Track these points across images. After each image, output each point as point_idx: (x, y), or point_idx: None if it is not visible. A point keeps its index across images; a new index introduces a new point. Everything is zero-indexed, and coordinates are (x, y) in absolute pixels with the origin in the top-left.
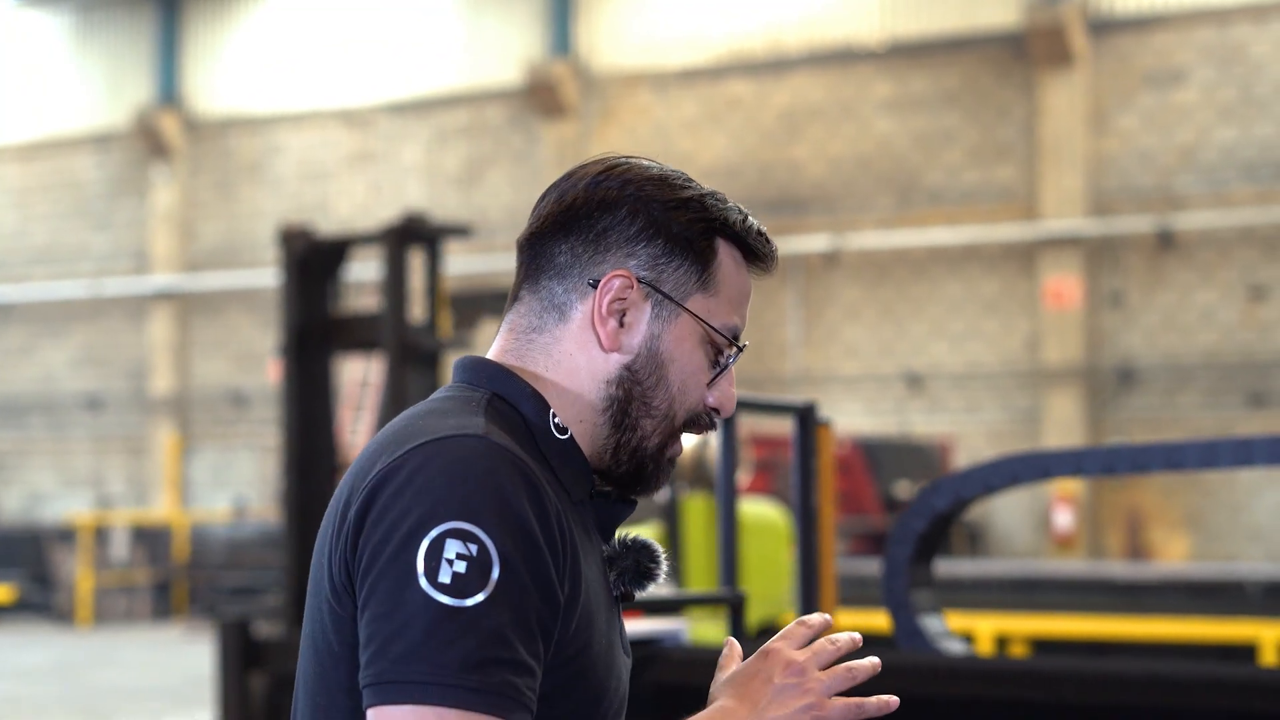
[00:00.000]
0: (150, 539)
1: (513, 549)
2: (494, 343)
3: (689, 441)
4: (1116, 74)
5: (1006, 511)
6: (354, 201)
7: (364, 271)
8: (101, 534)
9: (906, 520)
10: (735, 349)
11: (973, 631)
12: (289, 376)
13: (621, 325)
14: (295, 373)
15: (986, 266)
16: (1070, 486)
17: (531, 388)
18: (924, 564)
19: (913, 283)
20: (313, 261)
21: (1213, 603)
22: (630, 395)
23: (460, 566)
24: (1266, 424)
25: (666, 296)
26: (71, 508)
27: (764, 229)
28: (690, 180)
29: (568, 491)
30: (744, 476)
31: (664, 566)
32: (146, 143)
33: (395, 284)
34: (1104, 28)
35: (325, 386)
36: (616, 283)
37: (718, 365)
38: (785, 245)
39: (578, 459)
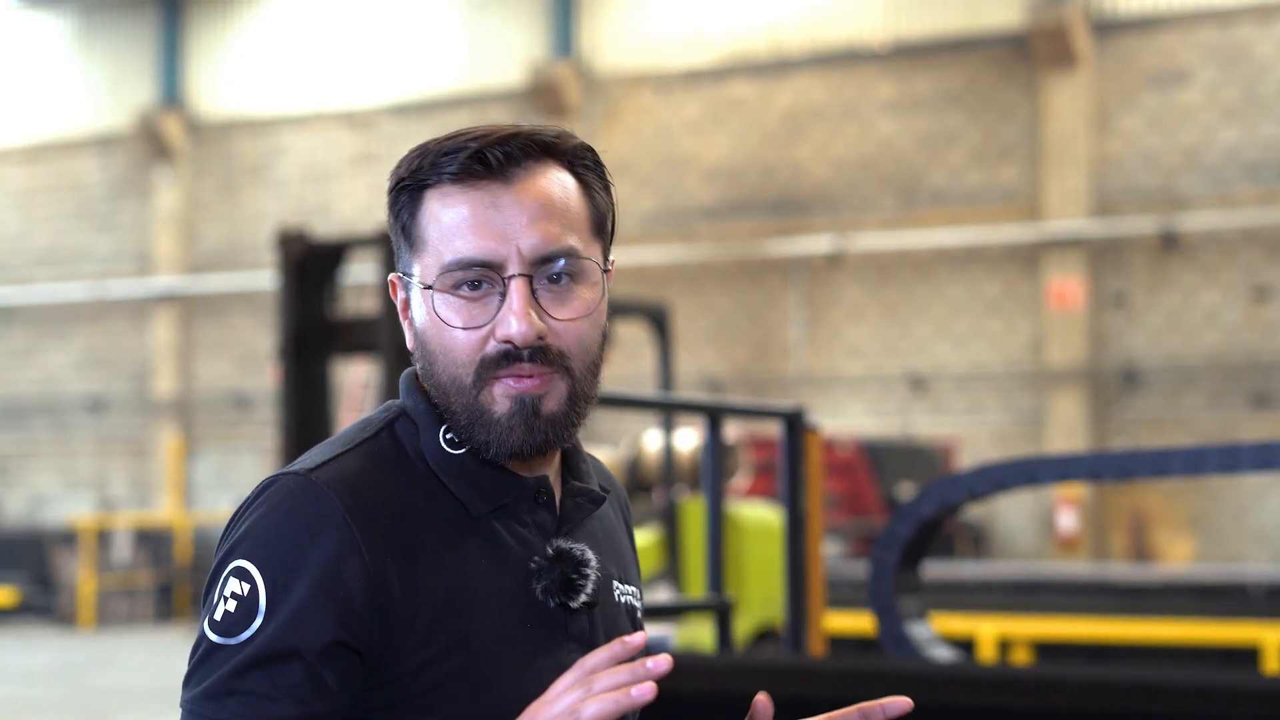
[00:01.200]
0: (152, 541)
1: (283, 588)
2: None
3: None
4: (1120, 75)
5: (1010, 513)
6: (357, 203)
7: (364, 273)
8: (104, 536)
9: (892, 526)
10: (462, 274)
11: (975, 634)
12: (287, 380)
13: (411, 325)
14: (293, 376)
15: (990, 267)
16: (1074, 489)
17: (429, 403)
18: (910, 569)
19: (916, 284)
20: (310, 264)
21: (1216, 605)
22: (428, 381)
23: (231, 605)
24: (1271, 425)
25: (403, 276)
26: (74, 510)
27: (464, 140)
28: (405, 156)
29: (466, 506)
30: (743, 480)
31: (591, 576)
32: (149, 145)
33: None
34: (1107, 28)
35: (323, 390)
36: (394, 289)
37: (485, 306)
38: (788, 246)
39: (474, 471)
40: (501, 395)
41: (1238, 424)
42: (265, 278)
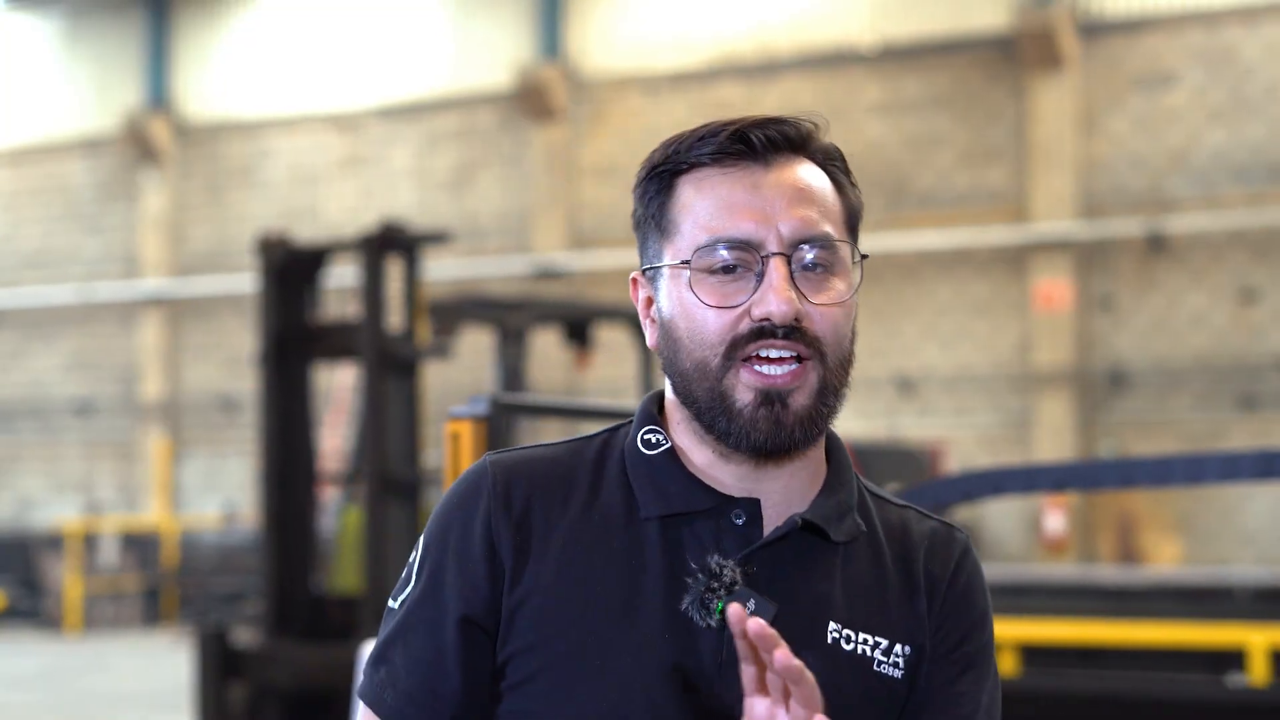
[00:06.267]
0: (140, 545)
1: (426, 559)
2: None
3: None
4: (1106, 77)
5: (997, 516)
6: (344, 205)
7: (349, 277)
8: (90, 540)
9: None
10: (720, 254)
11: None
12: (268, 384)
13: (654, 321)
14: (274, 381)
15: (977, 269)
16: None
17: (645, 406)
18: None
19: (903, 286)
20: (291, 269)
21: (1202, 607)
22: (670, 373)
23: (405, 572)
24: (1257, 427)
25: (651, 268)
26: (61, 513)
27: (727, 121)
28: (661, 145)
29: (640, 507)
30: None
31: (722, 591)
32: (136, 147)
33: (373, 292)
34: (1094, 30)
35: (304, 395)
36: (634, 289)
37: (740, 287)
38: None
39: (663, 474)
40: (746, 385)
41: (1225, 426)
42: (253, 281)
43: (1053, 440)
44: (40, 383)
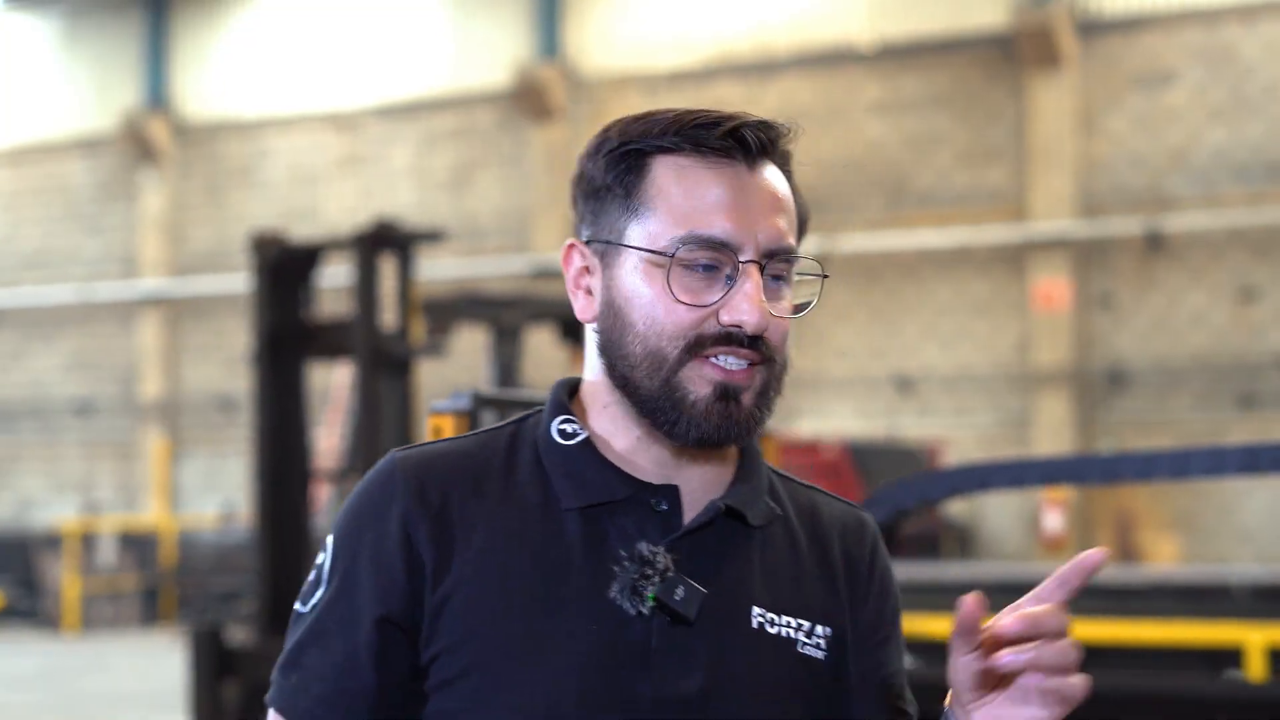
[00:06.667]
0: (138, 545)
1: (339, 561)
2: None
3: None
4: (1106, 75)
5: (996, 513)
6: (344, 205)
7: (344, 276)
8: (88, 540)
9: None
10: (701, 252)
11: None
12: (261, 383)
13: (590, 293)
14: (268, 379)
15: (976, 268)
16: (1059, 489)
17: (556, 395)
18: None
19: (902, 285)
20: (286, 268)
21: (1200, 605)
22: (609, 354)
23: (312, 574)
24: (1257, 426)
25: (605, 242)
26: (61, 513)
27: (718, 115)
28: (622, 119)
29: (560, 498)
30: None
31: (655, 578)
32: (135, 147)
33: (366, 290)
34: (1093, 29)
35: (298, 393)
36: (569, 255)
37: (711, 287)
38: None
39: (579, 464)
40: (704, 378)
41: (1224, 425)
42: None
43: (1052, 440)
44: (40, 383)
